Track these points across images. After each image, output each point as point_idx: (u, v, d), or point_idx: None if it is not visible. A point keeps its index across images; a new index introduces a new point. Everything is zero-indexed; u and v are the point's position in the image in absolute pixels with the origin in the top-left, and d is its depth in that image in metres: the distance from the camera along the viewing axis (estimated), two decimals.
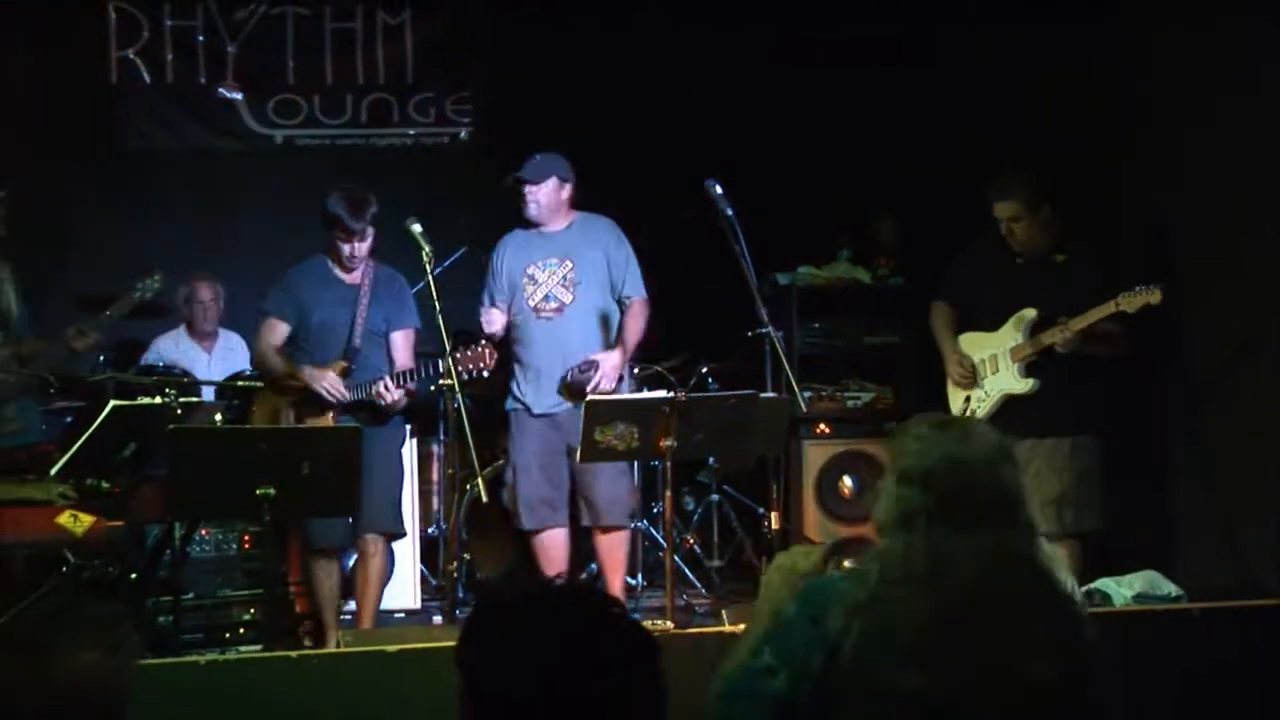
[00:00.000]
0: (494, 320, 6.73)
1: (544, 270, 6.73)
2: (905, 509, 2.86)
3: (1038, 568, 2.86)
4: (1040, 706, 2.71)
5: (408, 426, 7.10)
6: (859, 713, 2.75)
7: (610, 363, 6.62)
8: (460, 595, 7.12)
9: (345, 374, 6.45)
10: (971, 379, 6.48)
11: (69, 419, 7.21)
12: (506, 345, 6.75)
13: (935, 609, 2.74)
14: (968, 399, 6.49)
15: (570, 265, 6.72)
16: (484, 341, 6.27)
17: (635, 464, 7.15)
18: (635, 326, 6.74)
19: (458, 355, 6.15)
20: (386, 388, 6.34)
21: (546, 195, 6.72)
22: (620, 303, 6.78)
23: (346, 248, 6.48)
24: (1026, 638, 2.75)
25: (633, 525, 7.03)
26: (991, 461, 2.90)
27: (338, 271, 6.60)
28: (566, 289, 6.71)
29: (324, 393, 6.37)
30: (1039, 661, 2.73)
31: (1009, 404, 6.30)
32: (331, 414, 6.44)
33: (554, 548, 6.70)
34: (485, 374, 6.22)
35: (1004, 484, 2.89)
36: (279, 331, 6.61)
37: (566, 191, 6.76)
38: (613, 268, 6.77)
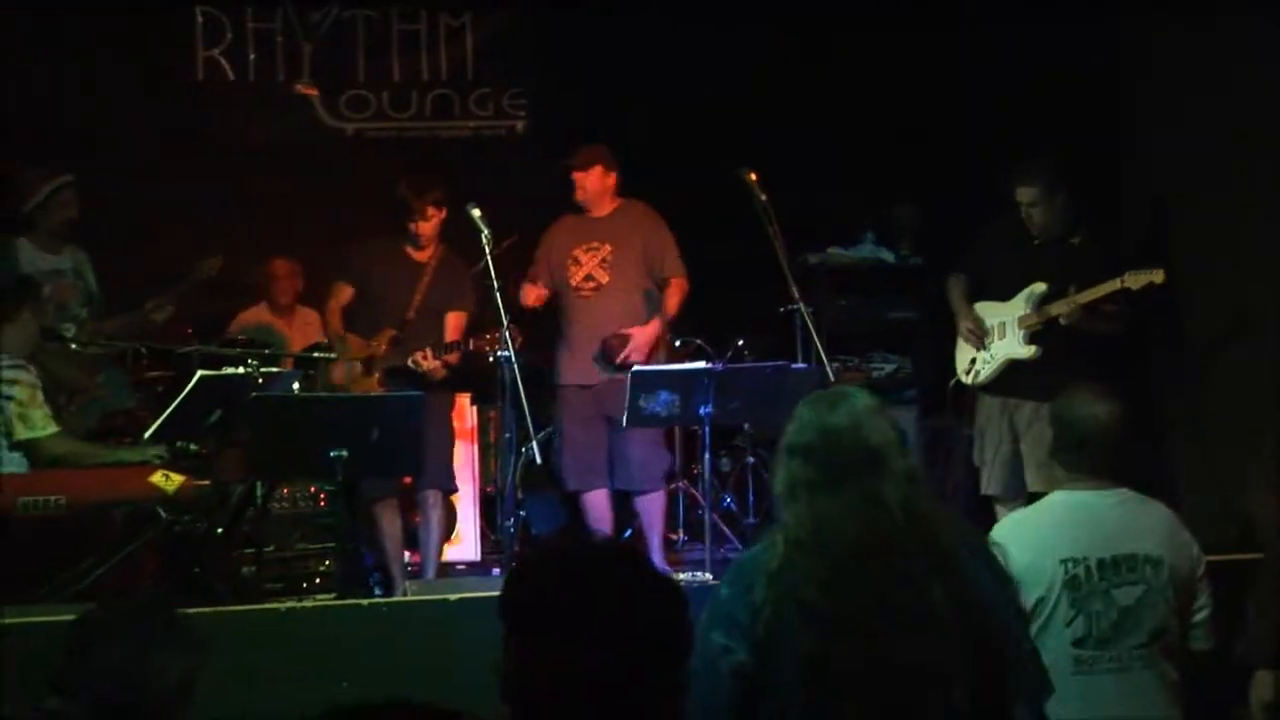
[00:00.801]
0: (525, 294, 6.84)
1: (586, 252, 6.77)
2: (790, 481, 2.84)
3: (915, 512, 2.78)
4: (930, 646, 2.67)
5: (461, 395, 7.19)
6: (780, 678, 2.71)
7: (643, 336, 6.64)
8: (516, 549, 7.16)
9: (396, 342, 6.56)
10: (980, 339, 6.44)
11: (161, 388, 7.27)
12: (554, 322, 6.83)
13: (825, 570, 2.71)
14: (973, 360, 6.47)
15: (609, 248, 6.74)
16: (509, 322, 6.30)
17: (676, 430, 7.19)
18: (672, 304, 6.78)
19: (486, 336, 6.38)
20: (425, 356, 6.46)
21: (593, 182, 6.76)
22: (659, 283, 6.79)
23: (412, 226, 6.63)
24: (906, 582, 2.70)
25: (668, 487, 7.07)
26: (856, 423, 2.83)
27: (408, 248, 6.71)
28: (604, 270, 6.74)
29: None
30: (920, 603, 2.68)
31: (1012, 368, 6.29)
32: (376, 377, 6.56)
33: (598, 506, 6.77)
34: (501, 352, 6.30)
35: (870, 440, 2.81)
36: (342, 294, 6.79)
37: (611, 178, 6.79)
38: (650, 250, 6.78)
